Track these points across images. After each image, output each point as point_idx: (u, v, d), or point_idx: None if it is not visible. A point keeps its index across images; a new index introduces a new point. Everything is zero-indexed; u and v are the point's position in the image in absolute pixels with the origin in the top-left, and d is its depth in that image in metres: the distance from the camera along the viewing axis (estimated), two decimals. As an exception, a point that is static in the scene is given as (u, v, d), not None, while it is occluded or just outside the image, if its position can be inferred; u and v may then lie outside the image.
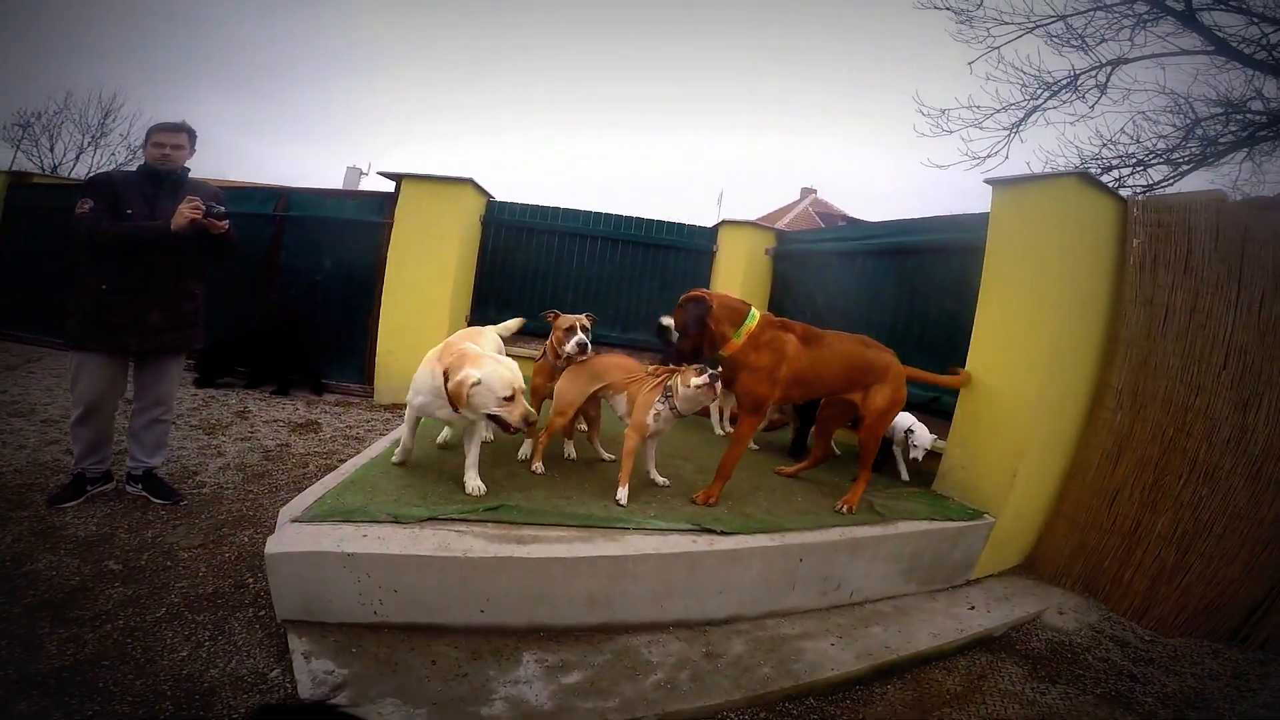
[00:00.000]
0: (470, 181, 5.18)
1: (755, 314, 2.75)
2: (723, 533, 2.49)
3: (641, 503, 2.70)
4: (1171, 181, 7.46)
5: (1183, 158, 7.42)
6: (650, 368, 2.87)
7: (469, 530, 2.30)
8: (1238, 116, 7.26)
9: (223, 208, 2.83)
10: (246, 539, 2.78)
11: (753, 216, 5.59)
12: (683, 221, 5.60)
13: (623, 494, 2.64)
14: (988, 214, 3.19)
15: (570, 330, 3.00)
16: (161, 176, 2.89)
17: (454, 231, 5.11)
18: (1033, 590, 3.01)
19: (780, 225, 27.03)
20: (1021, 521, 3.04)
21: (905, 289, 4.01)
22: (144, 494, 3.04)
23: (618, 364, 2.92)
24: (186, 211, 2.70)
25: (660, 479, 2.89)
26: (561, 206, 5.58)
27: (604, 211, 5.61)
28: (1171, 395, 2.87)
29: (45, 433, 3.82)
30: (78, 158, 19.28)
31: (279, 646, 2.07)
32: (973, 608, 2.77)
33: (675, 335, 2.87)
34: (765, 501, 2.91)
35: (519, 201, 5.63)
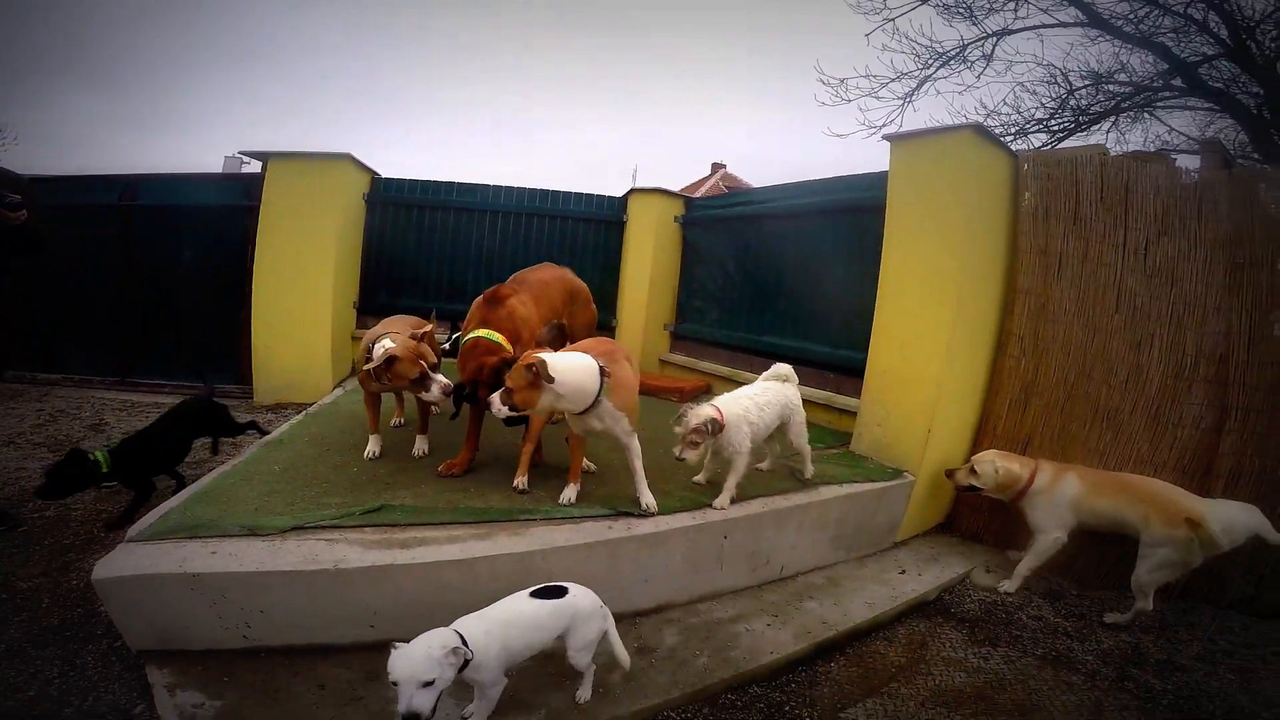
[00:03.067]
0: (348, 157, 4.69)
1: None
2: (641, 515, 2.34)
3: (551, 489, 2.49)
4: (1049, 147, 8.02)
5: (1058, 126, 8.06)
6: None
7: (342, 538, 2.03)
8: (1106, 88, 7.93)
9: (18, 197, 2.48)
10: (97, 564, 2.35)
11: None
12: (590, 192, 5.34)
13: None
14: (888, 172, 3.17)
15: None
16: None
17: (332, 212, 4.60)
18: (958, 549, 3.05)
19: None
20: (941, 477, 3.05)
21: (812, 250, 3.98)
22: None
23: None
24: None
25: (590, 465, 2.74)
26: (457, 181, 5.18)
27: (504, 185, 5.25)
28: (1070, 339, 2.97)
29: None
30: None
31: (140, 680, 1.85)
32: (903, 572, 2.76)
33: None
34: (683, 479, 2.75)
35: (409, 178, 5.17)
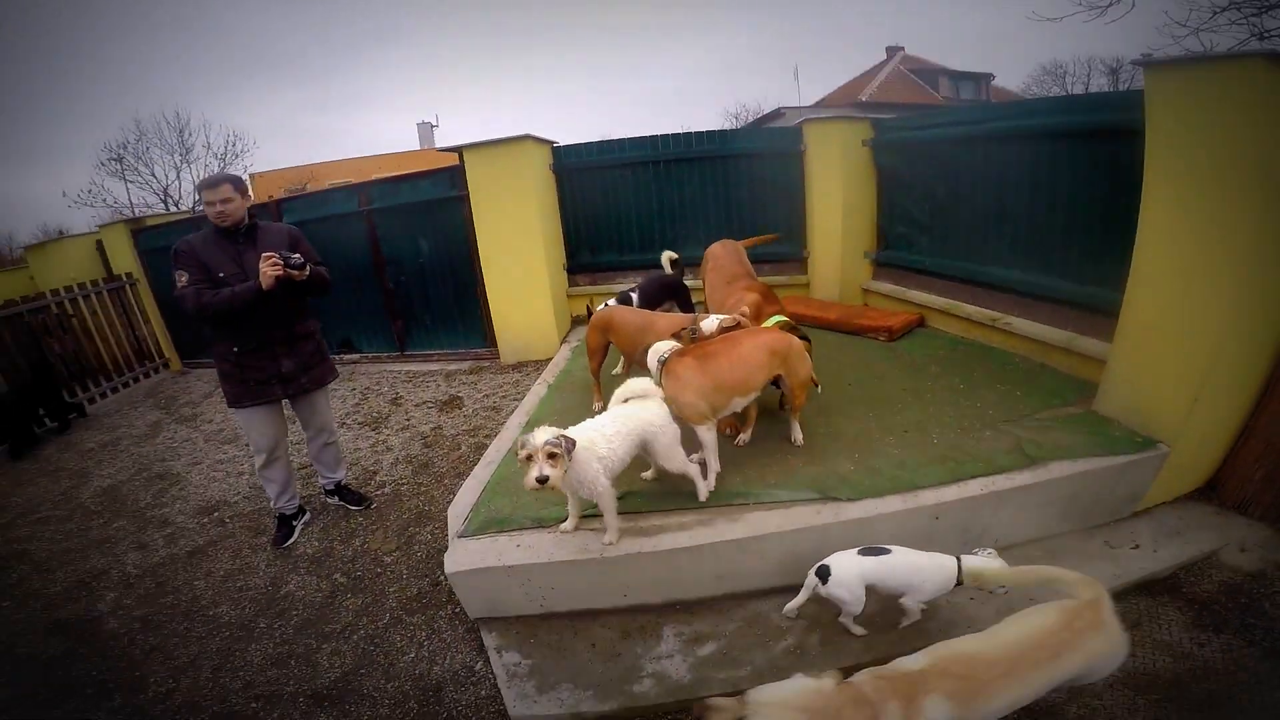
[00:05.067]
0: (528, 137, 5.11)
1: None
2: (849, 499, 2.52)
3: (759, 466, 2.80)
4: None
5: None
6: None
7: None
8: None
9: (298, 255, 2.96)
10: (429, 535, 3.31)
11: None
12: (763, 123, 5.23)
13: None
14: (1138, 93, 2.58)
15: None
16: (234, 232, 3.03)
17: (528, 187, 5.14)
18: (1212, 521, 2.68)
19: (868, 91, 25.63)
20: (1204, 446, 2.69)
21: (1046, 177, 3.44)
22: (342, 504, 3.67)
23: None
24: (269, 270, 2.87)
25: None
26: (626, 138, 5.36)
27: (670, 133, 5.31)
28: None
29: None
30: (178, 175, 21.87)
31: (476, 639, 2.55)
32: (1136, 546, 2.55)
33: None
34: (896, 450, 2.84)
35: (584, 142, 5.49)
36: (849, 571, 2.17)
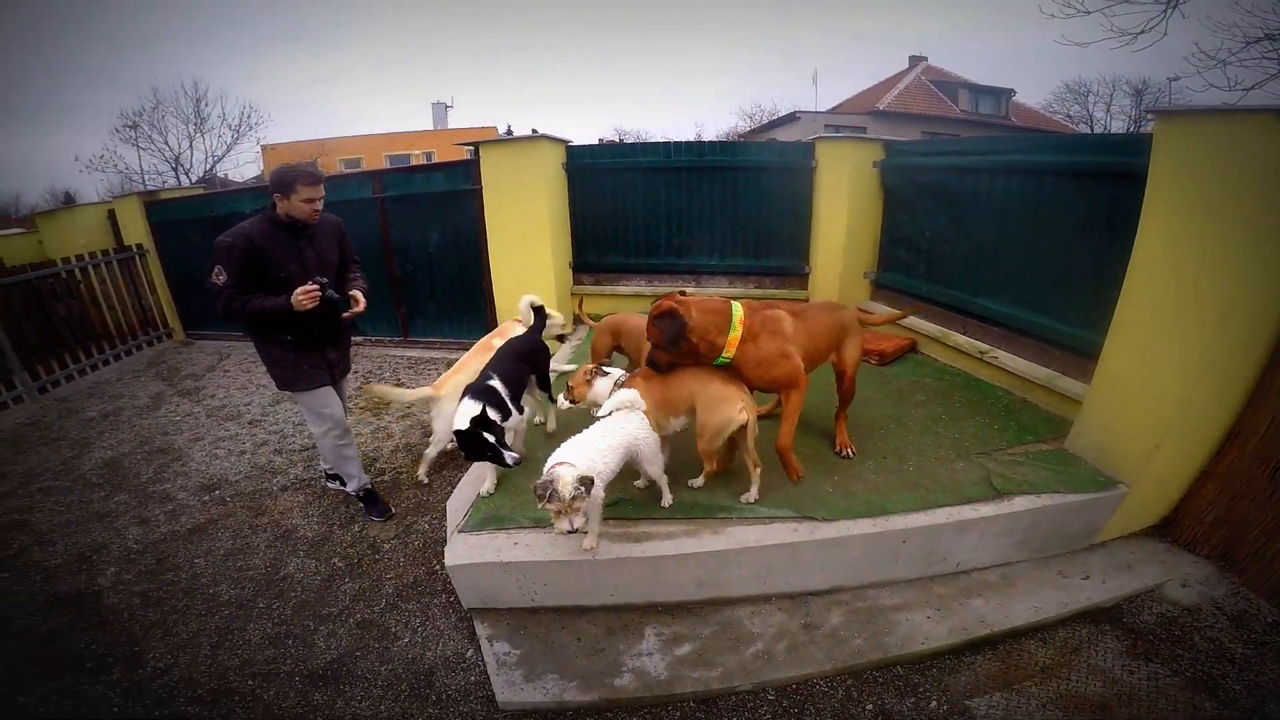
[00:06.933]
0: (544, 136, 5.37)
1: (738, 308, 2.89)
2: (824, 519, 2.76)
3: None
4: None
5: None
6: None
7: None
8: None
9: (334, 293, 3.11)
10: (427, 525, 3.50)
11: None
12: (778, 125, 5.40)
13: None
14: (1147, 136, 2.77)
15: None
16: (296, 227, 3.11)
17: (540, 185, 5.37)
18: (1162, 556, 2.93)
19: (886, 100, 25.69)
20: (1162, 487, 2.92)
21: (1044, 214, 3.65)
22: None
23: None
24: (305, 301, 2.99)
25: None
26: (639, 142, 5.61)
27: (684, 140, 5.55)
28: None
29: (254, 434, 4.89)
30: (191, 144, 22.51)
31: (468, 628, 2.76)
32: (1087, 578, 2.79)
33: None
34: (873, 475, 3.07)
35: (597, 144, 5.72)
36: None
